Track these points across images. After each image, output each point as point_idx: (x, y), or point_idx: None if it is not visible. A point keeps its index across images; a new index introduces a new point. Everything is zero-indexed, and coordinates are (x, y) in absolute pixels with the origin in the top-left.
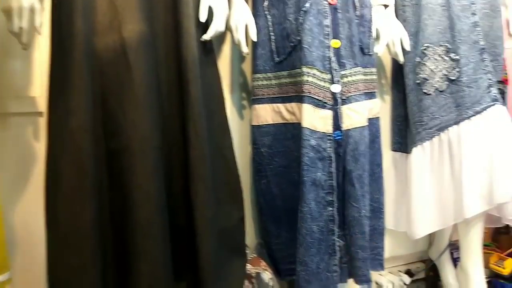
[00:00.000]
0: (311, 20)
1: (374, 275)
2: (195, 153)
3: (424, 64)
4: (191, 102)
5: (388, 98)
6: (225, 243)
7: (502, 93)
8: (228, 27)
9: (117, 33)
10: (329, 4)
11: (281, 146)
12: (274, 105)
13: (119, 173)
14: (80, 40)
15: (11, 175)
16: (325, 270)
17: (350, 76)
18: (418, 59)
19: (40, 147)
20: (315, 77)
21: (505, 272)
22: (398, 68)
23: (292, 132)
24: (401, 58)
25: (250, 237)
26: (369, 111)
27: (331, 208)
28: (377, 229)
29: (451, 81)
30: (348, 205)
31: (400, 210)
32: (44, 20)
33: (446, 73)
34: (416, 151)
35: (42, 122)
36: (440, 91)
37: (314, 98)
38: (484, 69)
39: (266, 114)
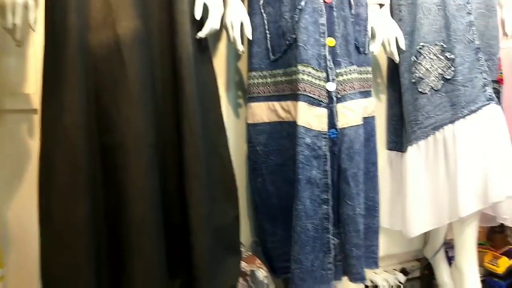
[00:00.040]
0: (306, 18)
1: (369, 274)
2: (189, 151)
3: (420, 63)
4: (186, 99)
5: (383, 97)
6: (220, 241)
7: (497, 92)
8: (223, 25)
9: (111, 29)
10: (325, 2)
11: (277, 145)
12: (270, 103)
13: (113, 170)
14: (74, 35)
15: (5, 172)
16: (320, 268)
17: (346, 74)
18: (413, 58)
19: (35, 144)
20: (310, 75)
21: (499, 270)
22: (393, 67)
23: (287, 130)
24: (396, 57)
25: (246, 235)
26: (364, 109)
27: (326, 206)
28: (371, 228)
29: (446, 80)
30: (343, 203)
31: (395, 208)
32: (38, 17)
33: (442, 72)
34: (412, 150)
35: (37, 119)
36: (436, 90)
37: (309, 96)
38: (479, 69)
39: (262, 112)
